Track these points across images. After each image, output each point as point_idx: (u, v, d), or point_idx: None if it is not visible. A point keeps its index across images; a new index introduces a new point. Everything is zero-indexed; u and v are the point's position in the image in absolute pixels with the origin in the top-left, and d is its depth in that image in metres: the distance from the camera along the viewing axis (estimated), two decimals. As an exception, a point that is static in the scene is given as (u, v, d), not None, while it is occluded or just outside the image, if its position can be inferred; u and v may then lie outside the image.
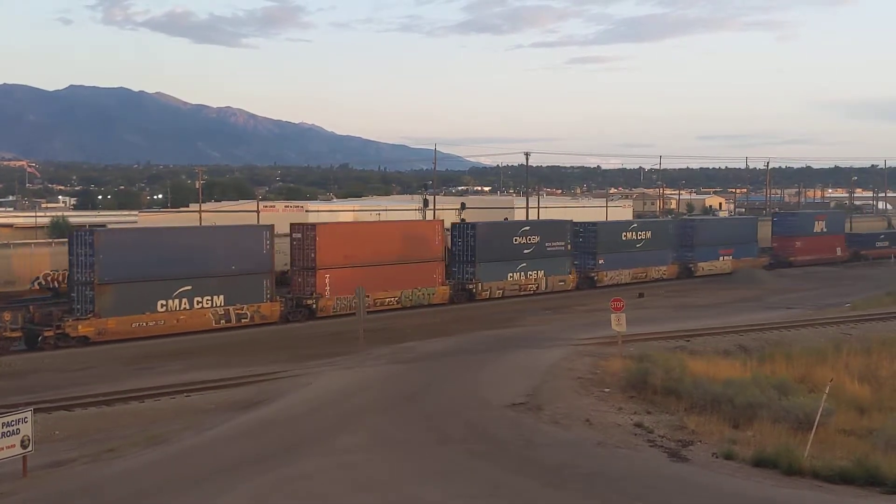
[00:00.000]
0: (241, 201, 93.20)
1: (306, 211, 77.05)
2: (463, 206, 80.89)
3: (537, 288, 53.09)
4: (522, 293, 52.11)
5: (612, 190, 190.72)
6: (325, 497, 15.54)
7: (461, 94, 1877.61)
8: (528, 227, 54.13)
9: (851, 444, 19.58)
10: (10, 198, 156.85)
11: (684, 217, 79.23)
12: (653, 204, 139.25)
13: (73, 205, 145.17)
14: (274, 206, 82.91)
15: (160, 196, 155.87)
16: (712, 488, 16.11)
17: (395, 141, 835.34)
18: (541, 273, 53.13)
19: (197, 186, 79.48)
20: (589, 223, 59.51)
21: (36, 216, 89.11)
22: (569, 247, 54.93)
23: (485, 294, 49.91)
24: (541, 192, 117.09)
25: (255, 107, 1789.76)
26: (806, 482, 16.53)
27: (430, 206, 74.82)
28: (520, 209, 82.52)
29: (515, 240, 52.00)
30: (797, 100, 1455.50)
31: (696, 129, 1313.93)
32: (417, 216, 76.90)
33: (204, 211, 73.13)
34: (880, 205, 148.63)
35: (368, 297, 38.44)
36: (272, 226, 42.57)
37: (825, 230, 75.93)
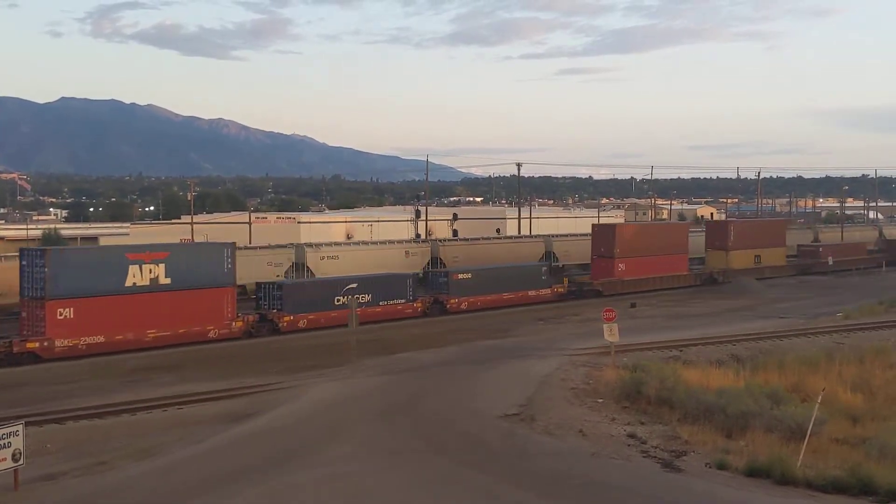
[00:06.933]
0: (233, 213, 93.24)
1: (298, 222, 77.13)
2: (455, 217, 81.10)
3: None
4: None
5: (604, 200, 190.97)
6: (319, 509, 15.49)
7: (452, 105, 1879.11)
8: None
9: (844, 453, 19.60)
10: (2, 210, 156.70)
11: None
12: (644, 214, 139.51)
13: (65, 217, 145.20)
14: (266, 218, 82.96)
15: (152, 208, 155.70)
16: (706, 498, 16.11)
17: (387, 152, 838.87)
18: None
19: (189, 198, 79.28)
20: None
21: (27, 228, 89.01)
22: None
23: None
24: (533, 203, 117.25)
25: (247, 118, 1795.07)
26: (799, 491, 16.56)
27: (422, 217, 74.83)
28: (511, 220, 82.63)
29: None
30: (787, 110, 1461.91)
31: (686, 139, 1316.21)
32: (410, 227, 76.70)
33: (196, 223, 73.05)
34: (871, 214, 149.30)
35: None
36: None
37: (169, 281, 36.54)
